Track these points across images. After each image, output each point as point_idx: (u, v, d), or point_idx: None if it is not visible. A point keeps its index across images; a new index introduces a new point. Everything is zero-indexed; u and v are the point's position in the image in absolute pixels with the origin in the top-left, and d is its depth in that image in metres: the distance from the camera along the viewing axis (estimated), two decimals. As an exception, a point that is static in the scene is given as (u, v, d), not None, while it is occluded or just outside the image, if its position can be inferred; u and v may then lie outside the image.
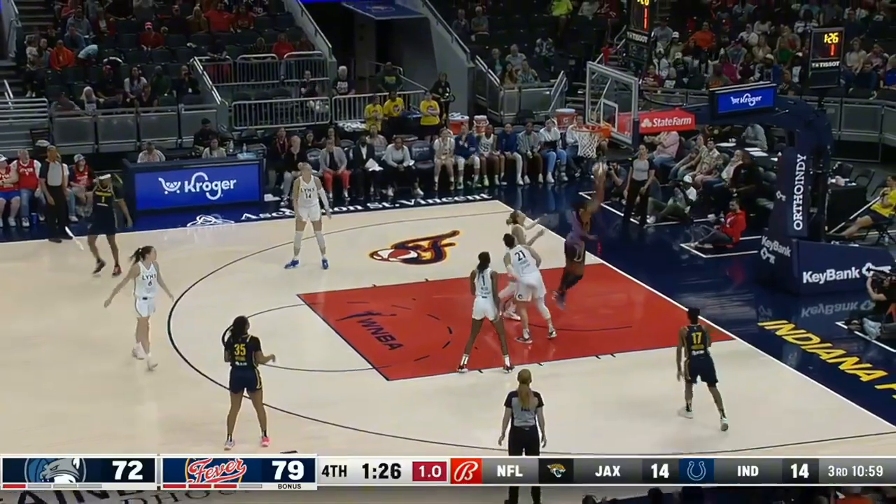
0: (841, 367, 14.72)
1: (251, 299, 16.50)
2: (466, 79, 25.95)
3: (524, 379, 11.36)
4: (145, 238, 19.17)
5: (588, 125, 16.74)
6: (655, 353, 14.94)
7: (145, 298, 14.12)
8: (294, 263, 17.70)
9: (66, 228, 19.15)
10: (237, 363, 12.36)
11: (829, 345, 15.32)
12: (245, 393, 12.42)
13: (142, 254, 14.19)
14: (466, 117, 24.01)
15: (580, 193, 20.71)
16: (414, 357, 14.86)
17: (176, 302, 16.25)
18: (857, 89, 23.71)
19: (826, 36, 17.26)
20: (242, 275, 17.61)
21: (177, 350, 14.97)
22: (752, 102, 16.05)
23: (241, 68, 24.85)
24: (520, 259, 14.92)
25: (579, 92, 22.83)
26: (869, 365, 14.77)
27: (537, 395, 11.35)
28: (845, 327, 15.82)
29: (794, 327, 15.92)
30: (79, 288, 16.97)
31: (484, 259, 14.11)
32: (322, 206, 17.53)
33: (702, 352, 13.00)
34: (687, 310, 13.58)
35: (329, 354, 15.10)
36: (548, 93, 25.44)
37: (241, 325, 12.47)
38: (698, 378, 13.05)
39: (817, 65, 17.12)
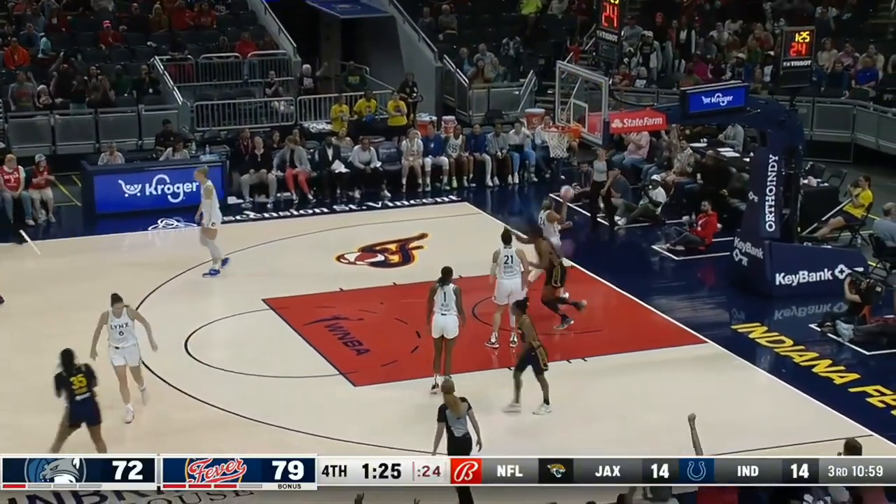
0: (814, 371, 14.60)
1: (215, 304, 16.36)
2: (434, 78, 25.69)
3: (449, 389, 11.35)
4: (105, 242, 19.11)
5: (558, 125, 16.53)
6: (627, 356, 14.90)
7: (117, 348, 13.10)
8: (223, 262, 17.33)
9: (22, 232, 18.75)
10: (77, 397, 11.75)
11: (802, 347, 15.19)
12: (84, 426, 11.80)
13: (111, 301, 13.11)
14: (434, 118, 23.74)
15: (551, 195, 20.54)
16: (381, 362, 14.65)
17: (137, 307, 15.72)
18: (829, 89, 23.64)
19: (797, 35, 17.10)
20: (206, 280, 17.27)
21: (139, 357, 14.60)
22: (723, 102, 15.94)
23: (203, 68, 24.47)
24: (506, 262, 14.73)
25: (549, 91, 22.62)
26: (842, 368, 14.66)
27: (464, 399, 11.38)
28: (818, 329, 15.70)
29: (766, 330, 15.79)
30: (34, 292, 16.64)
31: (446, 274, 13.77)
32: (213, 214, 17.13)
33: (536, 342, 13.21)
34: (517, 302, 13.60)
35: (295, 360, 14.82)
36: (517, 92, 25.23)
37: (69, 357, 11.86)
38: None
39: (789, 64, 16.95)
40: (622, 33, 17.05)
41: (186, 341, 15.11)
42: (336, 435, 12.65)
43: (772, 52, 23.68)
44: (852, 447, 10.75)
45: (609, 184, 19.68)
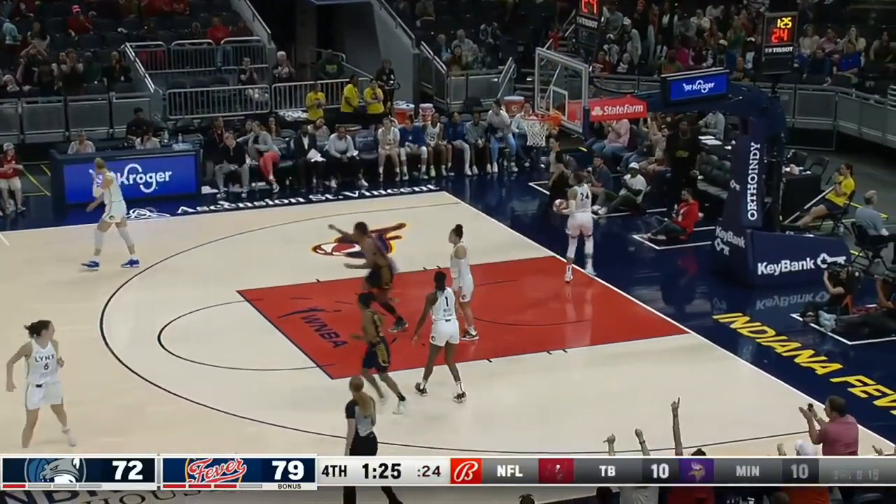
0: (796, 361, 14.49)
1: (189, 296, 16.07)
2: (412, 65, 25.40)
3: (358, 385, 11.09)
4: (75, 233, 18.73)
5: (537, 113, 16.34)
6: (608, 347, 14.78)
7: (39, 386, 11.65)
8: (133, 263, 16.95)
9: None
10: None
11: (784, 338, 15.08)
12: None
13: (36, 329, 11.64)
14: (412, 105, 23.45)
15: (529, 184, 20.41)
16: (359, 355, 14.33)
17: (109, 300, 15.87)
18: (811, 76, 23.52)
19: (779, 20, 16.91)
20: (179, 271, 17.08)
21: (111, 350, 14.46)
22: (705, 89, 15.80)
23: (175, 55, 24.13)
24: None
25: (528, 79, 22.39)
26: (824, 358, 14.56)
27: (371, 398, 11.22)
28: (800, 319, 15.58)
29: (748, 320, 15.66)
30: (1, 284, 16.38)
31: (441, 279, 13.37)
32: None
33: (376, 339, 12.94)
34: (361, 295, 13.31)
35: (270, 352, 14.62)
36: (495, 80, 24.98)
37: None
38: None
39: (771, 50, 16.77)
40: (602, 20, 16.88)
41: (160, 334, 14.87)
42: (313, 428, 12.46)
43: (753, 39, 23.54)
44: (837, 405, 10.74)
45: (555, 176, 19.49)
